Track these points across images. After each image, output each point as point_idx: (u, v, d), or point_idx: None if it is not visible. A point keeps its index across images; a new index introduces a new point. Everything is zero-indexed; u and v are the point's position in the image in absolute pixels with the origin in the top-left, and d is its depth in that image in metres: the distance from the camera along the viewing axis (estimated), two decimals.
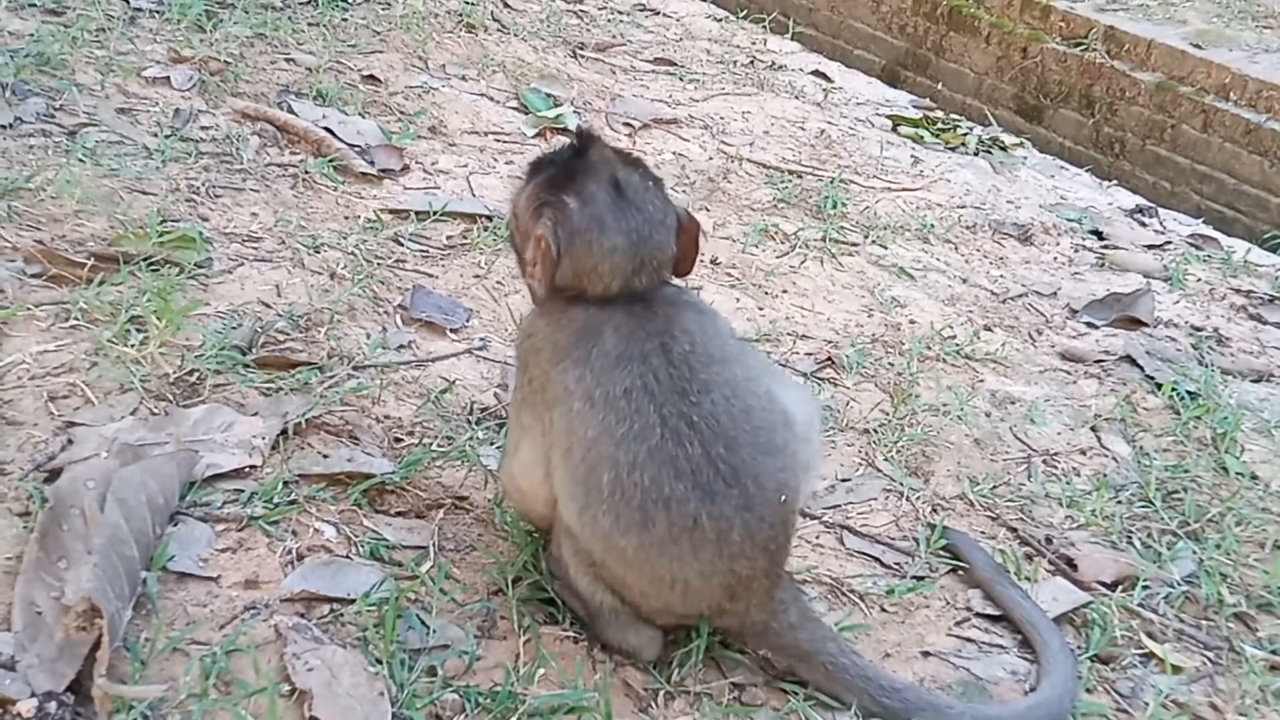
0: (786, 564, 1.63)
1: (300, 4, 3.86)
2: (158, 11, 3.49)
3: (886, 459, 2.22)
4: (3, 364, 1.89)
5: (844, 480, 2.15)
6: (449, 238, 2.72)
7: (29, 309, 2.04)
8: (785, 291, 2.82)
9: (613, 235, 1.56)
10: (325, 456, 1.86)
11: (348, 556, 1.68)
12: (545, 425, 1.56)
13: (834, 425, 2.30)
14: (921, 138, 4.20)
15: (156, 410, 1.87)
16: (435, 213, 2.78)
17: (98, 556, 1.47)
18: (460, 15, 4.14)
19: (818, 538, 1.98)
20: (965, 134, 4.34)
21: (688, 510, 1.46)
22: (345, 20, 3.83)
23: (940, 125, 4.40)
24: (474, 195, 2.95)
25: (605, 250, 1.56)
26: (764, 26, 5.14)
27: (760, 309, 2.71)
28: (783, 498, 1.52)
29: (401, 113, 3.32)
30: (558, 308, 1.59)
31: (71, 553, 1.51)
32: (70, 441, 1.74)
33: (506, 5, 4.49)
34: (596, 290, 1.57)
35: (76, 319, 2.04)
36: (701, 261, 2.85)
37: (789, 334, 2.62)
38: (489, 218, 2.82)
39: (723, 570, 1.50)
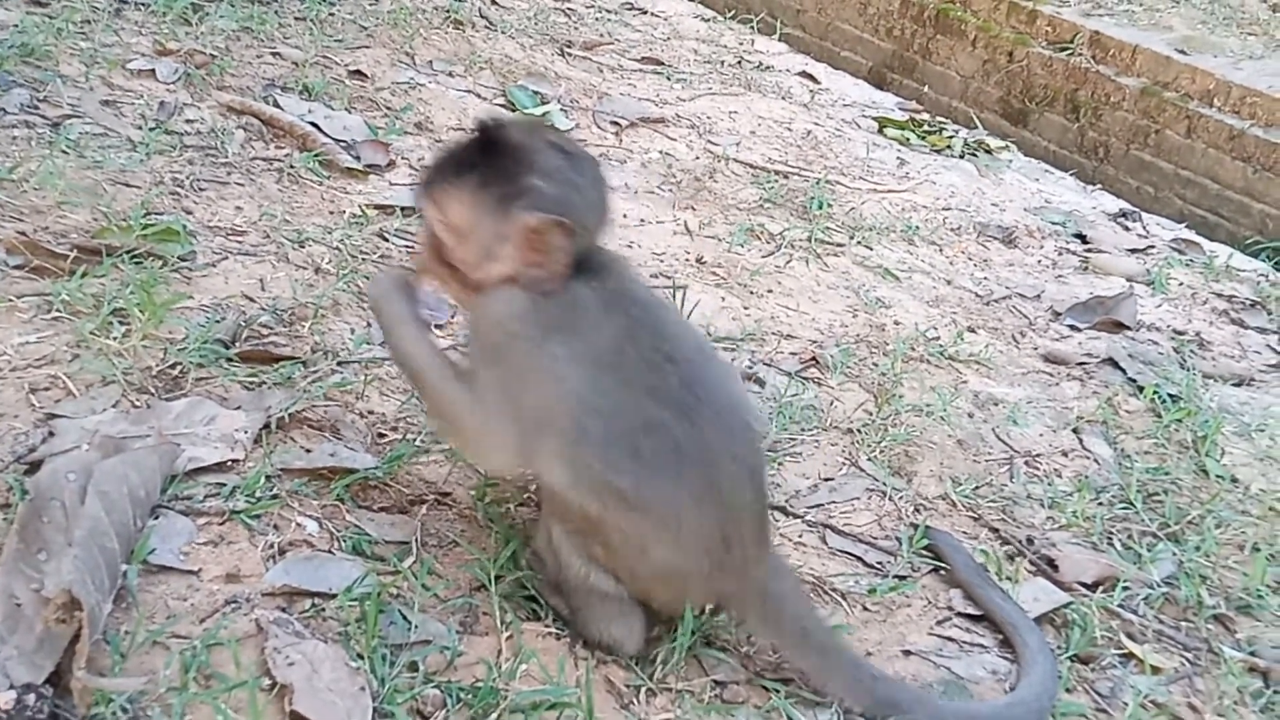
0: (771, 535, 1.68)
1: None
2: (143, 4, 3.47)
3: (869, 459, 2.23)
4: None
5: (827, 479, 2.15)
6: None
7: (10, 300, 2.02)
8: (770, 291, 2.82)
9: (587, 191, 1.61)
10: (308, 451, 1.85)
11: (330, 551, 1.67)
12: (525, 407, 1.55)
13: (818, 425, 2.30)
14: (907, 140, 4.21)
15: (138, 403, 1.86)
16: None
17: (78, 549, 1.46)
18: (448, 11, 4.13)
19: (800, 536, 1.98)
20: (951, 136, 4.36)
21: (671, 434, 1.51)
22: (332, 15, 3.82)
23: (926, 127, 4.42)
24: None
25: (590, 204, 1.61)
26: (751, 27, 5.15)
27: (745, 308, 2.71)
28: (754, 428, 1.62)
29: (388, 108, 3.31)
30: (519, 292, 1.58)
31: (51, 545, 1.50)
32: (51, 433, 1.73)
33: (494, 2, 4.49)
34: (584, 244, 1.60)
35: (59, 311, 2.02)
36: (687, 260, 2.87)
37: (774, 333, 2.62)
38: None
39: (714, 502, 1.52)
